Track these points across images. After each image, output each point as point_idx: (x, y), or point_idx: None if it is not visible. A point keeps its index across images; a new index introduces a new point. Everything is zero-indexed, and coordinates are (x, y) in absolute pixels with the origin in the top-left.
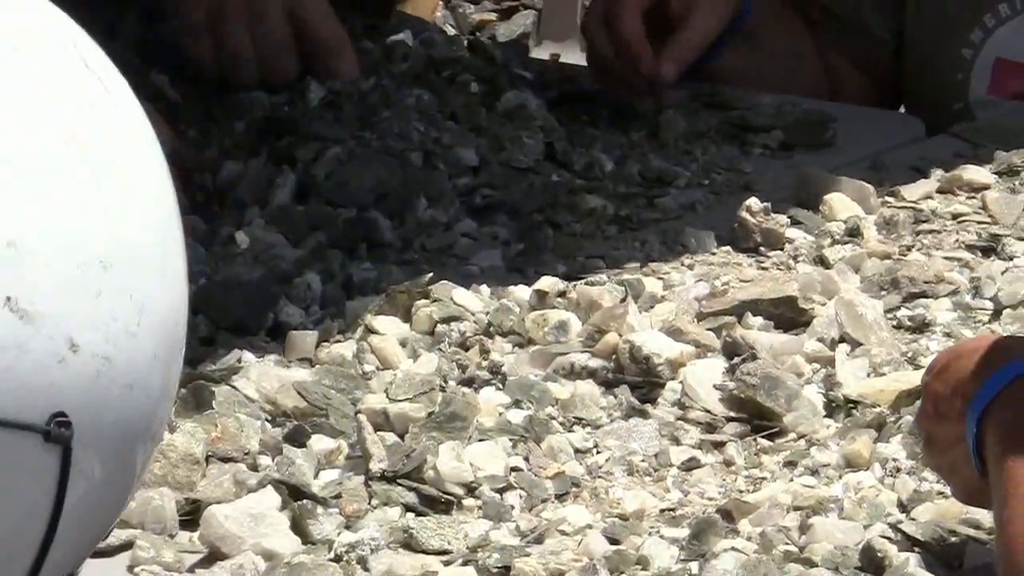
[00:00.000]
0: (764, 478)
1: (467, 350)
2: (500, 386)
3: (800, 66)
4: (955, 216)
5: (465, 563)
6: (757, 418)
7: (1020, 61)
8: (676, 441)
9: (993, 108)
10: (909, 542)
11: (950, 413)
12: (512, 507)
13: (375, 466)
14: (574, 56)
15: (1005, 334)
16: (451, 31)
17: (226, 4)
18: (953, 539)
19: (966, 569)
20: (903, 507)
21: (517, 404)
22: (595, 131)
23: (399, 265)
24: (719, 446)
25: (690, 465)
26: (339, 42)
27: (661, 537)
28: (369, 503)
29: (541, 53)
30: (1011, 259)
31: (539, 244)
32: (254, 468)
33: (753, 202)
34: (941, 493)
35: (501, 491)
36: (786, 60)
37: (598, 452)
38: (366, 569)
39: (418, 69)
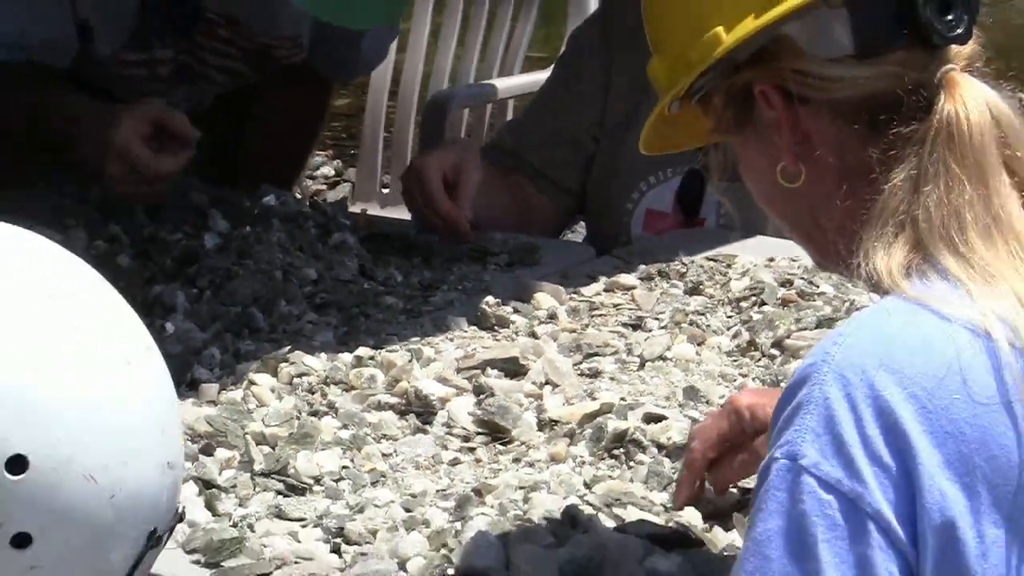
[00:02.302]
0: (501, 469)
1: (313, 394)
2: (334, 416)
3: (513, 210)
4: (615, 305)
5: (315, 526)
6: (495, 432)
7: (661, 211)
8: (445, 447)
9: (644, 241)
10: (592, 508)
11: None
12: (344, 490)
13: (257, 467)
14: (375, 210)
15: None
16: (299, 194)
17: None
18: (616, 507)
19: (627, 524)
20: (587, 485)
21: (345, 427)
22: (391, 257)
23: (269, 342)
24: (473, 450)
25: (455, 462)
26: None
27: (435, 507)
28: (254, 490)
29: (355, 208)
30: (650, 331)
31: (357, 327)
32: None
33: (489, 299)
34: (610, 476)
35: (336, 481)
36: (504, 206)
37: (396, 455)
38: (253, 531)
39: (278, 219)
